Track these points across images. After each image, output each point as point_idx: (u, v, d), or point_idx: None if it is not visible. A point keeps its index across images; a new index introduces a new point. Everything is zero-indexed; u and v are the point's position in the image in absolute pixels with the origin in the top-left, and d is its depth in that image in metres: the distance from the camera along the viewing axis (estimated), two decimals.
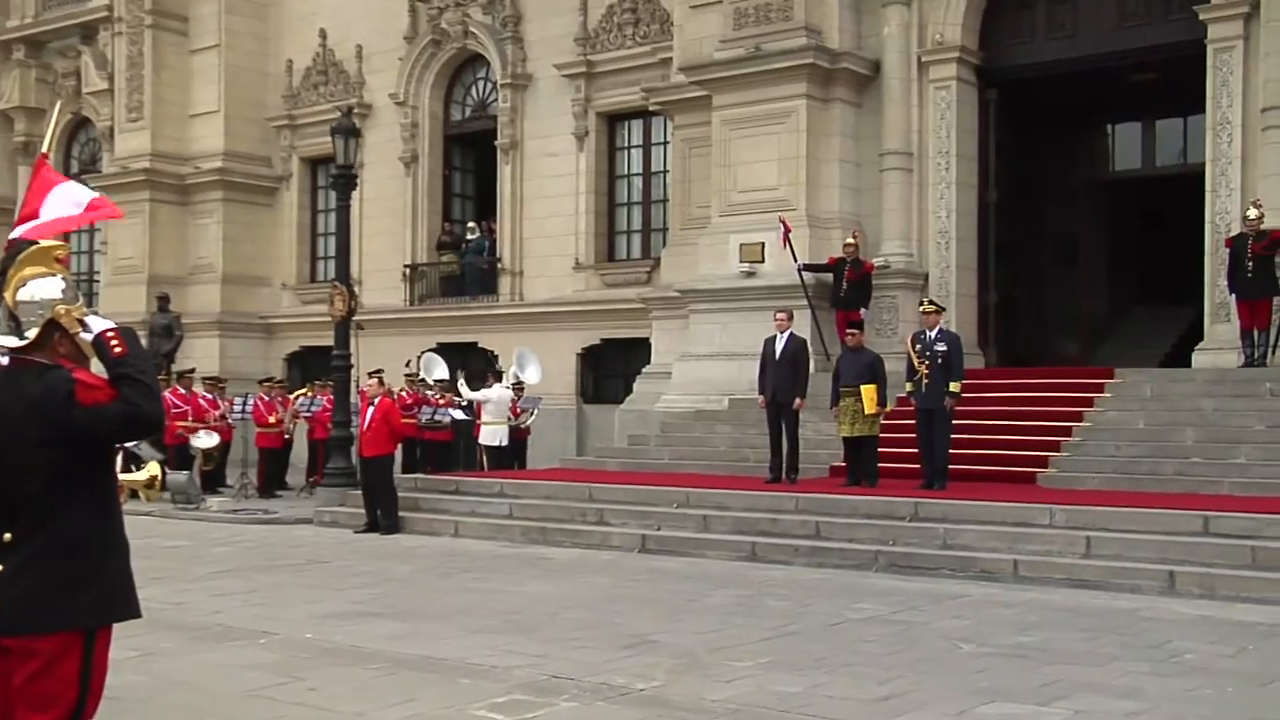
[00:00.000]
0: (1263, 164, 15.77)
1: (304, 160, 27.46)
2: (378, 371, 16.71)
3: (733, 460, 16.32)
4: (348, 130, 17.99)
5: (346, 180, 18.12)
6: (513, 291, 24.03)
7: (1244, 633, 8.79)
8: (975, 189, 18.71)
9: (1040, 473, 14.09)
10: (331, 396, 18.61)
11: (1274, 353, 15.30)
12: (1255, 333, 15.39)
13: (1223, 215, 16.04)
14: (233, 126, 27.19)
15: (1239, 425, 14.18)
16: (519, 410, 19.43)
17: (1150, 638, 8.59)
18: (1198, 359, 16.16)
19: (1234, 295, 15.49)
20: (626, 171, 23.59)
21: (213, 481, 19.96)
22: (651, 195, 23.27)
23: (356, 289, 20.05)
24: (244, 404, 19.89)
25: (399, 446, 16.48)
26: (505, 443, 18.60)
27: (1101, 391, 15.58)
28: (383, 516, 15.26)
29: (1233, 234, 15.60)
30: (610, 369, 23.23)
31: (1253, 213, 15.17)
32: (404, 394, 20.01)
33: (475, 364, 21.93)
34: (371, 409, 15.42)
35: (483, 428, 18.65)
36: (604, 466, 17.24)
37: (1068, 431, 14.77)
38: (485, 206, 25.67)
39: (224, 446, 20.44)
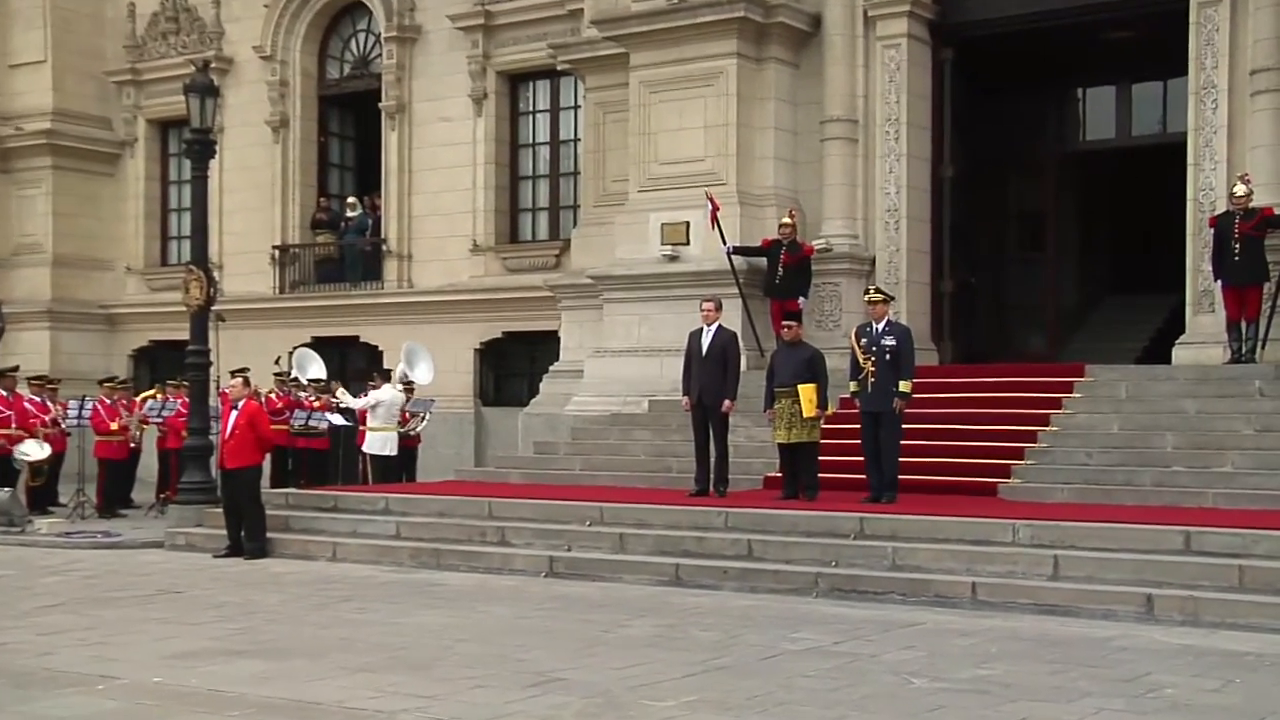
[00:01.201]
0: (1251, 133, 16.06)
1: (152, 123, 27.03)
2: (242, 370, 16.47)
3: (653, 471, 16.32)
4: (204, 88, 17.73)
5: (203, 147, 17.85)
6: (400, 278, 23.86)
7: (1230, 664, 8.92)
8: (928, 162, 18.87)
9: (1002, 484, 14.24)
10: (186, 399, 18.33)
11: (1264, 347, 15.59)
12: (1243, 324, 15.66)
13: (1207, 191, 16.30)
14: (63, 80, 26.63)
15: (1225, 429, 14.43)
16: (408, 415, 19.29)
17: (1126, 670, 8.69)
18: (1179, 354, 16.43)
19: (1219, 282, 15.77)
20: (531, 140, 23.51)
21: (42, 500, 19.56)
22: (560, 167, 23.20)
23: (216, 274, 19.78)
24: (80, 408, 19.50)
25: (267, 457, 16.27)
26: (394, 451, 18.46)
27: (1071, 391, 15.79)
28: (247, 538, 15.09)
29: (1218, 212, 15.87)
30: (513, 367, 23.13)
31: (1240, 188, 15.44)
32: (273, 396, 19.80)
33: (357, 363, 21.79)
34: (234, 414, 15.22)
35: (368, 434, 18.48)
36: (506, 479, 17.17)
37: (1033, 437, 14.94)
38: (368, 179, 25.45)
39: (56, 458, 20.04)
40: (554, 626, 10.46)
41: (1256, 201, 15.46)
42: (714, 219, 17.59)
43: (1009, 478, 14.33)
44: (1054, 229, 21.59)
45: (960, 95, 19.19)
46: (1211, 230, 15.80)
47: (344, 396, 19.13)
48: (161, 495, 19.68)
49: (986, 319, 21.01)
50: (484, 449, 22.32)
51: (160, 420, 20.09)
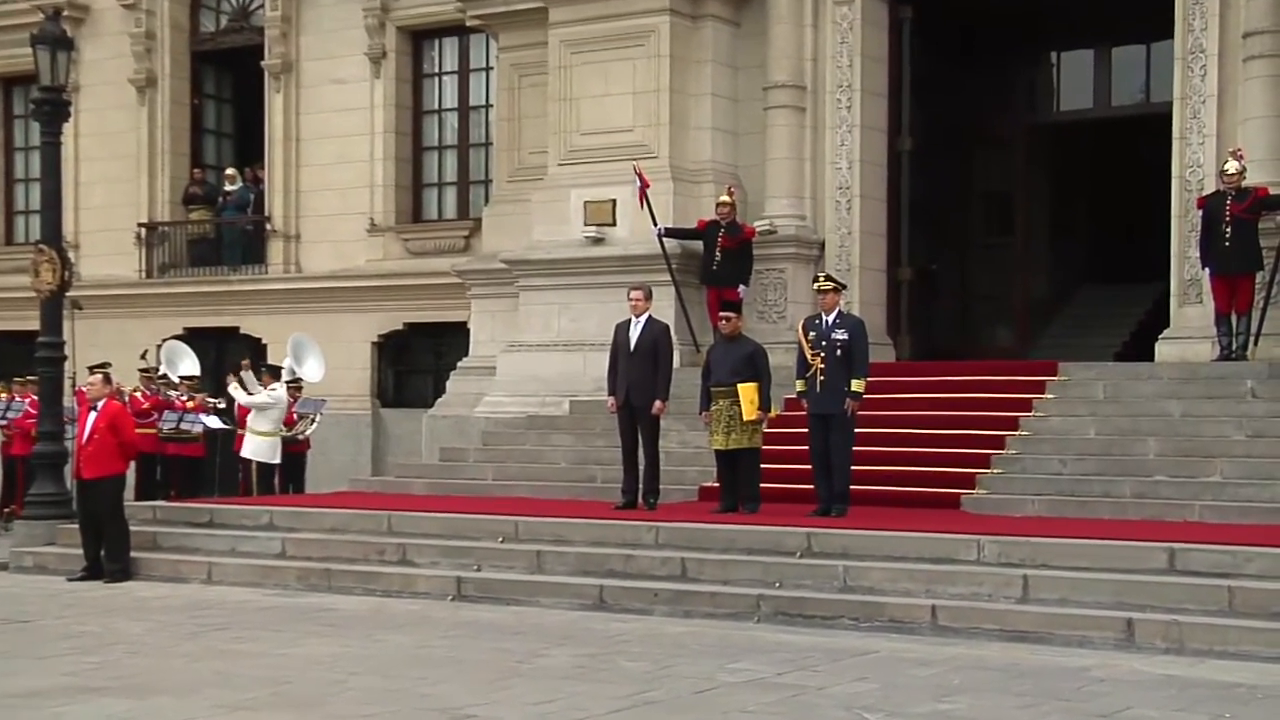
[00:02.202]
0: (1245, 104, 16.24)
1: None
2: (102, 366, 16.29)
3: (575, 480, 16.32)
4: (55, 39, 17.51)
5: (54, 108, 17.64)
6: (286, 261, 23.73)
7: (1219, 697, 9.01)
8: (884, 133, 18.97)
9: (966, 495, 14.35)
10: (36, 399, 18.14)
11: (1257, 343, 15.79)
12: (1234, 317, 15.85)
13: (1194, 168, 16.49)
14: None
15: (1214, 434, 14.60)
16: (295, 417, 19.17)
17: (1103, 703, 8.77)
18: (1163, 350, 16.62)
19: (1208, 270, 15.95)
20: (437, 106, 23.48)
21: None
22: (470, 137, 23.18)
23: (71, 255, 19.54)
24: None
25: (131, 465, 16.13)
26: (279, 458, 18.34)
27: (1042, 392, 15.93)
28: (108, 559, 14.94)
29: (1207, 192, 16.06)
30: (416, 362, 23.08)
31: (1232, 166, 15.62)
32: (139, 395, 19.61)
33: (237, 358, 21.62)
34: (93, 415, 15.07)
35: (248, 439, 18.35)
36: (407, 489, 17.14)
37: (1000, 443, 15.06)
38: (249, 148, 25.30)
39: None
40: (462, 656, 10.44)
41: (1250, 180, 15.63)
42: (643, 196, 17.62)
43: (973, 488, 14.45)
44: (1024, 210, 21.78)
45: (920, 59, 19.27)
46: (1200, 212, 15.97)
47: (237, 392, 18.71)
48: (6, 509, 19.51)
49: (949, 310, 21.16)
50: (382, 456, 22.26)
51: (5, 423, 19.87)
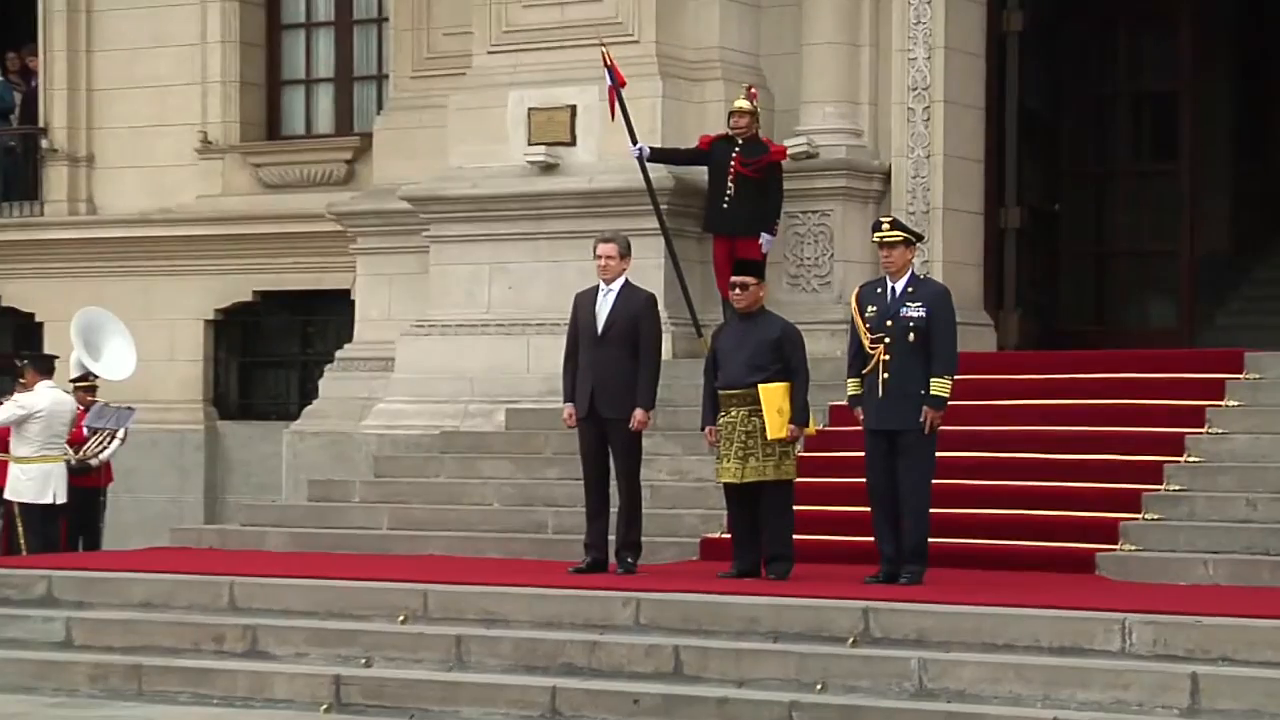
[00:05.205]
0: None
1: None
2: None
3: (514, 529, 16.39)
4: None
5: None
6: (73, 196, 23.77)
7: None
8: (982, 5, 19.06)
9: (1104, 552, 14.39)
10: None
11: None
12: None
13: None
14: None
15: None
16: (85, 433, 19.17)
17: None
18: None
19: None
20: None
21: None
22: (354, 10, 23.17)
23: None
24: None
25: None
26: (61, 499, 18.33)
27: (1220, 397, 15.97)
28: None
29: None
30: (273, 350, 23.19)
31: None
32: None
33: None
34: None
35: (12, 470, 18.35)
36: (260, 543, 17.19)
37: (1156, 474, 15.10)
38: (14, 27, 25.29)
39: None
40: None
41: None
42: (615, 99, 17.61)
43: (1116, 543, 14.47)
44: (1193, 121, 21.72)
45: None
46: None
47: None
48: None
49: (1077, 273, 21.21)
50: (221, 492, 22.30)
51: None
